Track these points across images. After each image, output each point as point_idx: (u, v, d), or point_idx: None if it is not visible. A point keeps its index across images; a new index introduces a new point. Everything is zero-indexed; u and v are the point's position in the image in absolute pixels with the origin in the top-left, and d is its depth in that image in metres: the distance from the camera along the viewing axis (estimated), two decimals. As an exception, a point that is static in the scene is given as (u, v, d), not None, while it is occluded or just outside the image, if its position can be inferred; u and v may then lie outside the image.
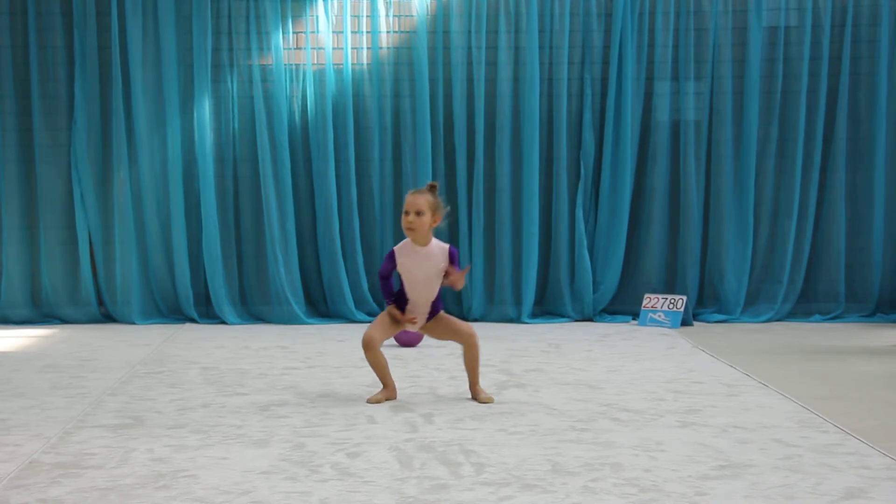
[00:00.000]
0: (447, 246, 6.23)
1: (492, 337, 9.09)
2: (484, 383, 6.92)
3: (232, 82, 9.98)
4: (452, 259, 6.18)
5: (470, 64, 10.00)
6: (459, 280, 6.17)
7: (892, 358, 7.96)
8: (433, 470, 4.87)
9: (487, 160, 10.07)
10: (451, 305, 10.14)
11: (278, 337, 9.11)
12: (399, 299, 6.31)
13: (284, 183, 9.89)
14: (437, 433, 5.56)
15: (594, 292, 10.08)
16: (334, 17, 9.98)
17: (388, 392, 6.40)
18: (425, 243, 6.16)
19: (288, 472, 4.83)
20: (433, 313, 6.36)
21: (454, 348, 8.44)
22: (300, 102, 10.01)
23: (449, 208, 6.24)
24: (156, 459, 5.06)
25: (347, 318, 9.97)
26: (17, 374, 7.37)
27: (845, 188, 10.10)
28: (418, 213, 6.07)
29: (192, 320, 9.98)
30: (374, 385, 6.80)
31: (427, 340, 8.62)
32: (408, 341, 8.42)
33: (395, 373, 6.83)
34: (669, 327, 9.56)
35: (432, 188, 6.16)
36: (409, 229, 6.08)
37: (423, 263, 6.16)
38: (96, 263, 10.01)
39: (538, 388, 6.79)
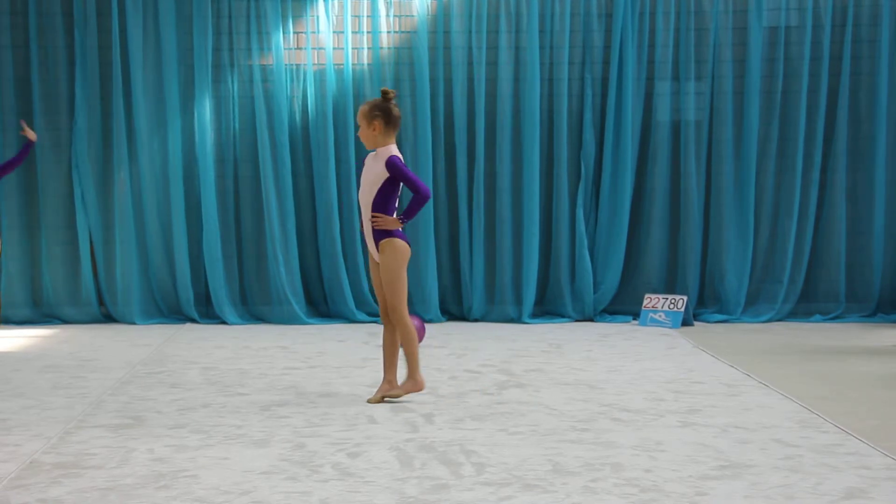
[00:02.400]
0: (389, 154, 6.23)
1: (492, 337, 9.09)
2: (484, 383, 6.92)
3: (232, 82, 9.97)
4: (388, 167, 6.20)
5: (470, 64, 10.00)
6: (382, 220, 6.23)
7: (892, 358, 7.96)
8: (434, 470, 4.87)
9: (488, 160, 10.06)
10: (452, 305, 10.15)
11: (279, 337, 9.11)
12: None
13: (285, 183, 9.88)
14: (438, 433, 5.55)
15: (595, 292, 10.07)
16: (335, 18, 9.98)
17: (383, 387, 6.40)
18: (373, 147, 6.34)
19: (288, 472, 4.84)
20: (378, 235, 6.25)
21: (455, 348, 8.45)
22: (301, 102, 10.00)
23: (378, 114, 6.22)
24: (156, 459, 5.06)
25: (348, 319, 9.96)
26: (17, 374, 7.37)
27: (846, 188, 10.09)
28: (357, 127, 6.43)
29: (193, 320, 9.97)
30: (375, 384, 6.79)
31: (427, 340, 8.62)
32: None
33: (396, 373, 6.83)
34: (670, 327, 9.55)
35: (384, 94, 6.33)
36: (362, 141, 6.39)
37: (370, 165, 6.35)
38: (97, 263, 10.00)
39: (538, 388, 6.79)
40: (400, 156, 6.27)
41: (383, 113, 6.25)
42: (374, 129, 6.26)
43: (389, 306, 6.31)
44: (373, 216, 6.24)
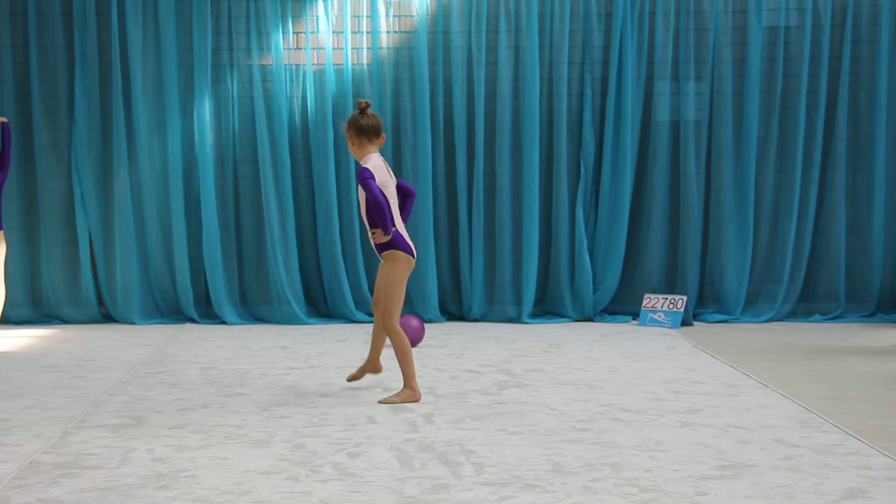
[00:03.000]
0: (363, 166, 6.39)
1: (492, 337, 9.09)
2: (484, 383, 6.92)
3: (232, 82, 9.96)
4: (357, 177, 6.46)
5: (470, 64, 9.98)
6: (375, 234, 6.38)
7: (892, 358, 7.95)
8: (433, 470, 4.87)
9: (487, 160, 10.05)
10: (451, 305, 10.15)
11: (278, 337, 9.11)
12: None
13: (285, 183, 9.87)
14: (438, 433, 5.55)
15: (594, 292, 10.06)
16: (334, 17, 9.97)
17: (364, 366, 6.72)
18: (359, 160, 6.53)
19: (288, 473, 4.84)
20: (379, 246, 6.42)
21: (454, 348, 8.45)
22: (300, 102, 9.99)
23: (342, 124, 6.55)
24: (156, 459, 5.06)
25: (347, 319, 9.96)
26: (17, 374, 7.37)
27: (845, 188, 10.07)
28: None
29: (193, 320, 9.96)
30: (374, 386, 6.80)
31: (427, 340, 8.63)
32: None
33: (396, 373, 6.86)
34: (670, 327, 9.55)
35: (357, 106, 6.54)
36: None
37: None
38: (96, 263, 9.99)
39: (538, 388, 6.78)
40: (378, 165, 6.37)
41: (353, 125, 6.46)
42: (352, 143, 6.50)
43: (382, 312, 6.44)
44: (371, 231, 6.37)
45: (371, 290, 10.01)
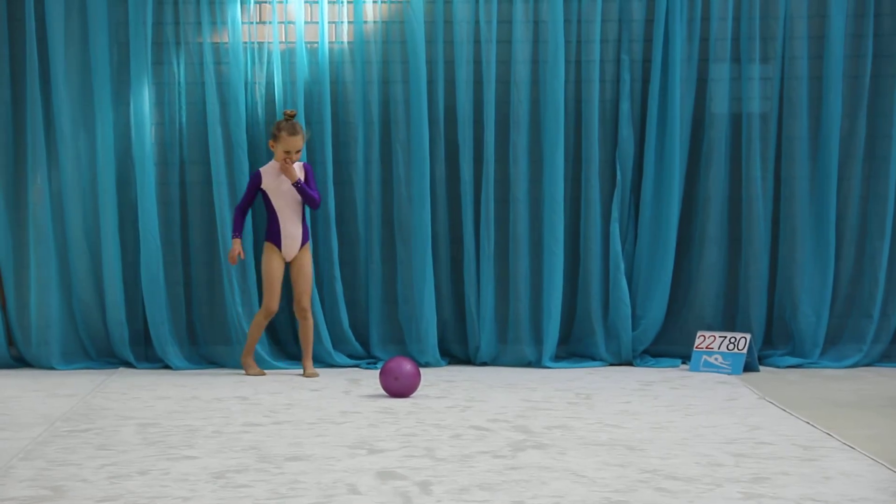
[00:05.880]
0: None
1: (505, 385, 9.08)
2: (495, 443, 6.92)
3: (178, 65, 9.98)
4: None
5: (478, 42, 10.00)
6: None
7: None
8: (431, 553, 4.87)
9: (499, 162, 10.06)
10: (454, 345, 10.15)
11: (236, 385, 9.11)
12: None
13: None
14: (437, 507, 5.54)
15: (634, 329, 10.06)
16: (307, -17, 10.03)
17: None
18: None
19: (248, 557, 4.83)
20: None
21: (458, 399, 8.44)
22: (263, 90, 10.01)
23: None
24: (81, 540, 5.04)
25: (324, 362, 9.94)
26: None
27: (953, 197, 10.10)
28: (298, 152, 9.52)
29: (128, 364, 9.95)
30: (357, 444, 6.79)
31: (423, 389, 8.62)
32: (400, 391, 8.39)
33: (385, 430, 6.79)
34: (729, 373, 9.54)
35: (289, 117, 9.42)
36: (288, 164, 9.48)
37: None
38: (5, 293, 9.98)
39: (563, 449, 6.78)
40: (259, 171, 9.51)
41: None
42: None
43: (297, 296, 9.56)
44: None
45: (352, 325, 10.02)
